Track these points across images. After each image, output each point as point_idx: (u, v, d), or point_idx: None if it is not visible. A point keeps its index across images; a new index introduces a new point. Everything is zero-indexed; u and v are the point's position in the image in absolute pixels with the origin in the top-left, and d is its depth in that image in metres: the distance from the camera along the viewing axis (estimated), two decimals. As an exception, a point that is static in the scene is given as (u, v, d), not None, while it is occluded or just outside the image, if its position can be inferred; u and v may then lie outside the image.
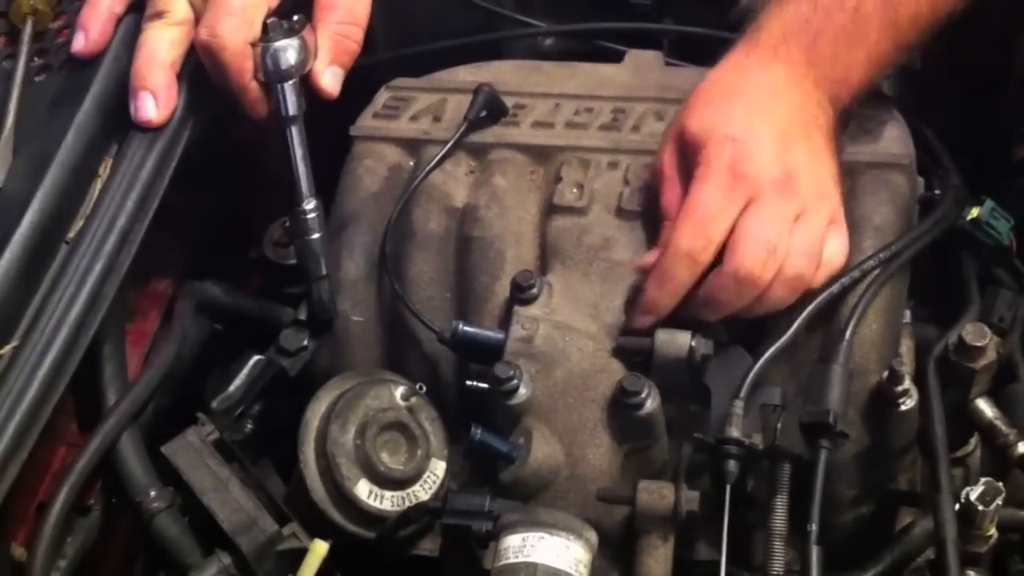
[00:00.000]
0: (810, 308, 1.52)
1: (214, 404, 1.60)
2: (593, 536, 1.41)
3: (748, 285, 1.47)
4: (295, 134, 1.57)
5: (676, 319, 1.53)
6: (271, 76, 1.53)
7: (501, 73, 1.80)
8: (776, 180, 1.48)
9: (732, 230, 1.48)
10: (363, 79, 1.74)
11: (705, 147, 1.50)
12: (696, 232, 1.48)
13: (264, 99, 1.55)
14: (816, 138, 1.52)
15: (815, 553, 1.42)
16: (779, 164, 1.49)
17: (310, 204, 1.59)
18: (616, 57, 1.86)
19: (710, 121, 1.52)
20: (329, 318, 1.62)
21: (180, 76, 1.54)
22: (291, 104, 1.55)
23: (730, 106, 1.52)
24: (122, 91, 1.53)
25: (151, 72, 1.51)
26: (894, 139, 1.66)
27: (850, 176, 1.62)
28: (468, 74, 1.81)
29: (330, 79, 1.58)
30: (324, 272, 1.61)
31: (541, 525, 1.39)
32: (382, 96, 1.80)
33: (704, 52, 1.82)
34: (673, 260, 1.49)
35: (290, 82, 1.54)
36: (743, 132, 1.49)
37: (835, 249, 1.52)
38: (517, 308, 1.57)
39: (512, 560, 1.38)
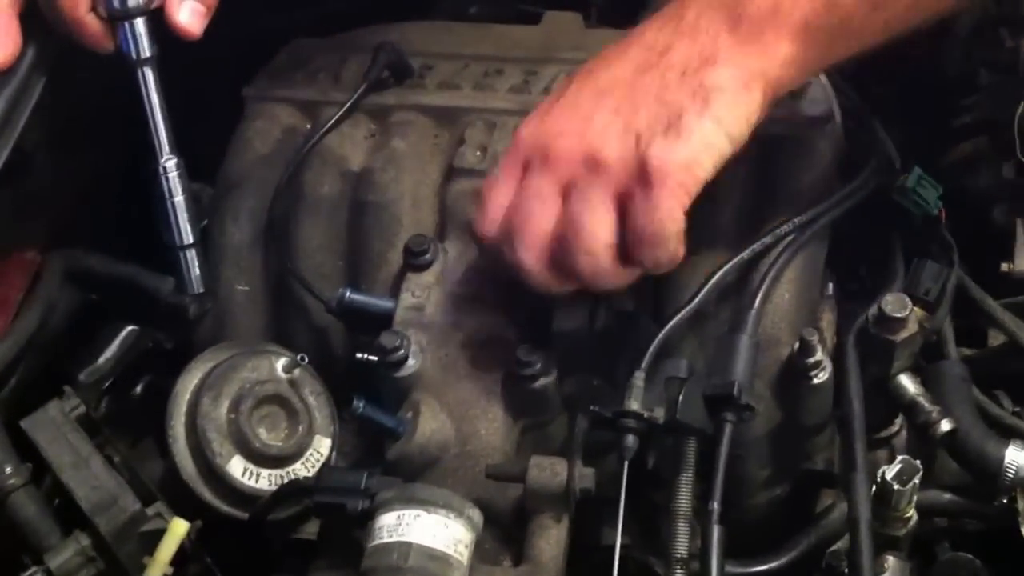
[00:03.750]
0: (718, 275, 1.43)
1: (81, 376, 1.51)
2: (476, 515, 1.32)
3: None
4: (149, 80, 1.43)
5: None
6: (114, 12, 1.40)
7: (408, 34, 1.72)
8: None
9: None
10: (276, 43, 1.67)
11: None
12: None
13: (107, 34, 1.41)
14: None
15: (716, 533, 1.33)
16: None
17: (171, 161, 1.45)
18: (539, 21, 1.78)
19: None
20: (200, 293, 1.50)
21: (26, 16, 1.42)
22: (141, 45, 1.42)
23: None
24: None
25: None
26: (815, 100, 1.57)
27: (767, 138, 1.53)
28: (373, 35, 1.72)
29: (188, 15, 1.43)
30: (192, 240, 1.47)
31: (417, 502, 1.30)
32: (281, 56, 1.71)
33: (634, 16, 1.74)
34: None
35: (139, 19, 1.41)
36: None
37: None
38: (409, 275, 1.49)
39: (386, 539, 1.29)
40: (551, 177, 1.34)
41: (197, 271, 1.48)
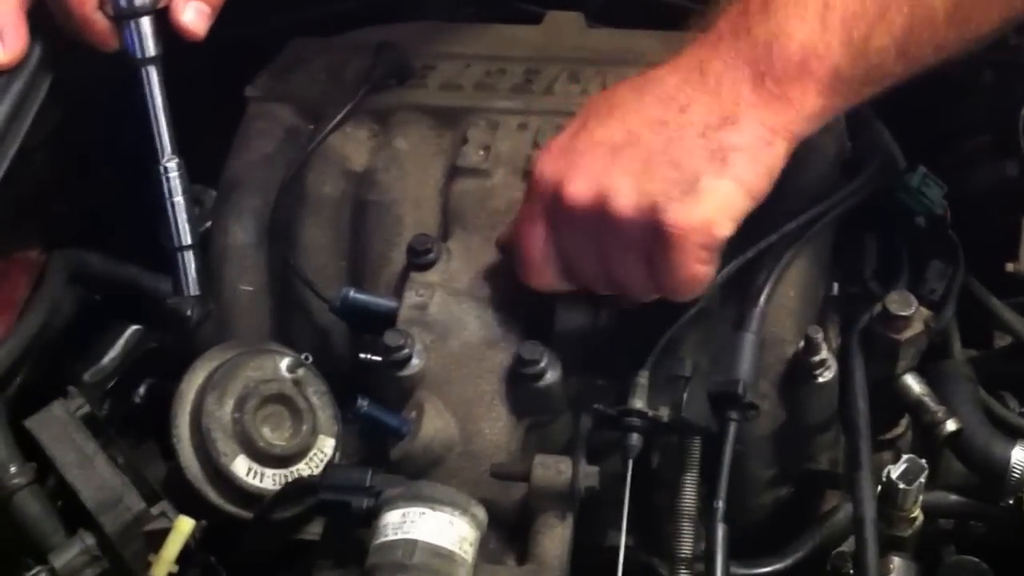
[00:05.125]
0: (722, 273, 1.42)
1: (86, 376, 1.51)
2: (481, 513, 1.31)
3: None
4: (152, 79, 1.42)
5: None
6: (121, 11, 1.39)
7: (410, 34, 1.71)
8: None
9: None
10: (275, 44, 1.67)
11: None
12: None
13: (113, 32, 1.41)
14: None
15: (721, 532, 1.32)
16: None
17: (172, 162, 1.43)
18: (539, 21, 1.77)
19: None
20: (197, 295, 1.48)
21: (33, 13, 1.42)
22: (146, 44, 1.41)
23: None
24: None
25: None
26: None
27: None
28: (374, 35, 1.71)
29: (193, 16, 1.42)
30: (190, 241, 1.44)
31: (422, 500, 1.29)
32: (282, 56, 1.71)
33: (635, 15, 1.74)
34: None
35: (144, 19, 1.41)
36: None
37: None
38: (413, 274, 1.48)
39: (391, 537, 1.28)
40: (580, 236, 1.34)
41: (194, 273, 1.45)
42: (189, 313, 1.53)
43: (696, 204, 1.29)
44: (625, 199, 1.30)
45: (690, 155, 1.30)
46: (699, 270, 1.31)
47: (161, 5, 1.41)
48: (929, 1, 1.29)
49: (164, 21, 1.42)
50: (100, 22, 1.40)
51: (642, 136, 1.32)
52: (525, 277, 1.39)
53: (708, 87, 1.31)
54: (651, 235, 1.30)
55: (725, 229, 1.30)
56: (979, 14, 1.32)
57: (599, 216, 1.32)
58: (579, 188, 1.32)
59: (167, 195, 1.43)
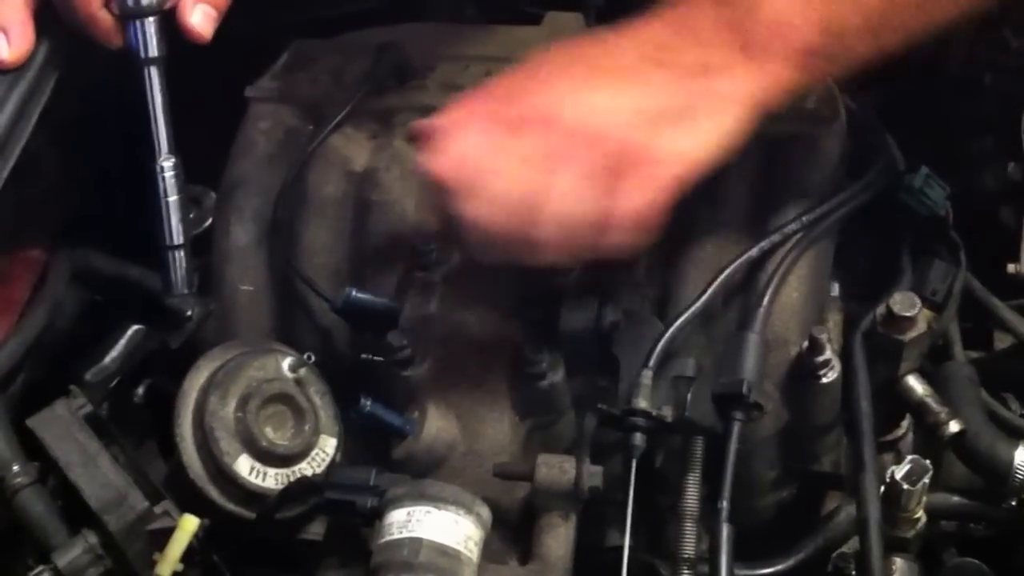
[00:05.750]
0: (726, 273, 1.43)
1: (88, 376, 1.50)
2: (486, 512, 1.31)
3: None
4: (154, 79, 1.43)
5: None
6: (127, 10, 1.39)
7: (411, 35, 1.71)
8: None
9: None
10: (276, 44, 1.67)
11: None
12: None
13: (118, 31, 1.41)
14: None
15: (725, 531, 1.32)
16: None
17: (169, 161, 1.44)
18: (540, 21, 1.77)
19: None
20: (182, 294, 1.49)
21: (39, 13, 1.42)
22: (150, 44, 1.41)
23: None
24: None
25: (2, 8, 1.40)
26: (822, 99, 1.56)
27: (774, 136, 1.53)
28: (375, 36, 1.71)
29: (200, 18, 1.42)
30: (181, 240, 1.46)
31: (428, 499, 1.29)
32: (283, 57, 1.70)
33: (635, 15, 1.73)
34: None
35: (149, 19, 1.41)
36: None
37: None
38: (415, 274, 1.47)
39: (396, 535, 1.28)
40: (542, 146, 1.31)
41: (183, 272, 1.46)
42: (190, 313, 1.52)
43: (688, 137, 1.30)
44: (620, 115, 1.30)
45: (686, 90, 1.31)
46: (658, 200, 1.30)
47: (168, 6, 1.41)
48: None
49: (170, 22, 1.42)
50: (105, 20, 1.40)
51: (634, 67, 1.32)
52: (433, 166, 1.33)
53: (693, 38, 1.32)
54: (635, 154, 1.29)
55: (699, 171, 1.31)
56: (948, 1, 1.34)
57: (585, 131, 1.30)
58: (567, 105, 1.31)
59: (162, 194, 1.45)
